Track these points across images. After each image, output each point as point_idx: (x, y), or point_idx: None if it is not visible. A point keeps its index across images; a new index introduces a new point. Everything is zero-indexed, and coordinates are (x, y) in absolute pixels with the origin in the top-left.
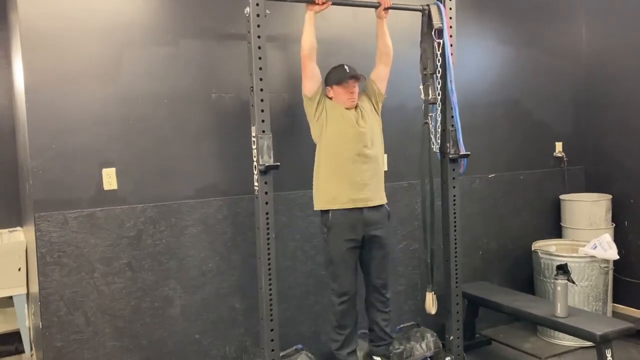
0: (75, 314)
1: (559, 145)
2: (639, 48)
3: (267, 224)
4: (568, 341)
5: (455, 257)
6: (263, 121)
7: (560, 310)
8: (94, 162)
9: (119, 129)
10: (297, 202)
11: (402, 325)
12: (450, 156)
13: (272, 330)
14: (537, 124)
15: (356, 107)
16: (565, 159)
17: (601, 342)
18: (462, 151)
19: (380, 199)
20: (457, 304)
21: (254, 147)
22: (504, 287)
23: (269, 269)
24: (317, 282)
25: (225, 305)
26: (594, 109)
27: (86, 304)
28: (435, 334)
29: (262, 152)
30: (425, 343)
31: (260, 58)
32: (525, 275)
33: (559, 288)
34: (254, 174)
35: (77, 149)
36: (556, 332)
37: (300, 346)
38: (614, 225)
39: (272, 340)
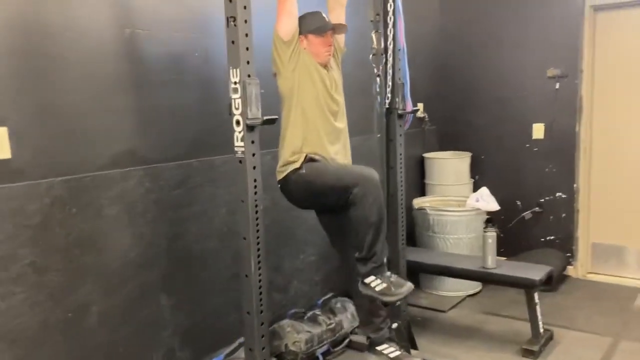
0: None
1: (420, 106)
2: (486, 14)
3: (256, 194)
4: (453, 292)
5: (402, 218)
6: (248, 62)
7: (490, 262)
8: None
9: (7, 73)
10: (221, 169)
11: (323, 299)
12: (398, 112)
13: (262, 324)
14: None
15: (326, 66)
16: (426, 119)
17: (532, 287)
18: (410, 106)
19: None
20: (403, 266)
21: (234, 96)
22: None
23: (258, 252)
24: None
25: (151, 304)
26: (447, 71)
27: None
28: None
29: (250, 103)
30: (350, 313)
31: None
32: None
33: (489, 240)
34: (234, 131)
35: None
36: (441, 284)
37: (243, 339)
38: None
39: (262, 337)
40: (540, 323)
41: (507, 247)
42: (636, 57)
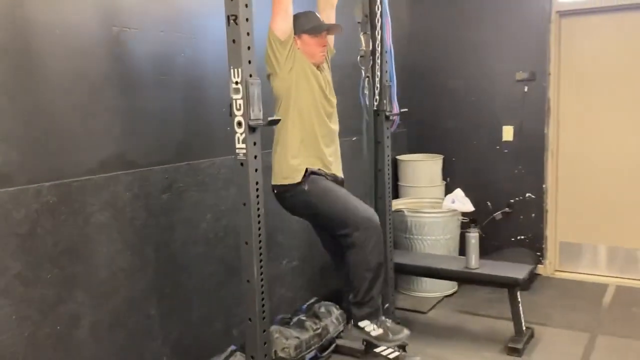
0: None
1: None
2: (455, 19)
3: (258, 196)
4: (430, 293)
5: (390, 221)
6: (250, 62)
7: (474, 262)
8: None
9: None
10: (207, 172)
11: (307, 304)
12: (386, 114)
13: (264, 331)
14: None
15: (318, 66)
16: (398, 122)
17: (516, 286)
18: (397, 108)
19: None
20: (391, 269)
21: (236, 96)
22: None
23: (261, 256)
24: (228, 269)
25: (140, 313)
26: (417, 75)
27: None
28: (338, 306)
29: (252, 103)
30: (335, 317)
31: None
32: None
33: (473, 241)
34: (236, 132)
35: None
36: (418, 286)
37: (234, 347)
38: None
39: (265, 344)
40: (523, 321)
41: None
42: (598, 61)
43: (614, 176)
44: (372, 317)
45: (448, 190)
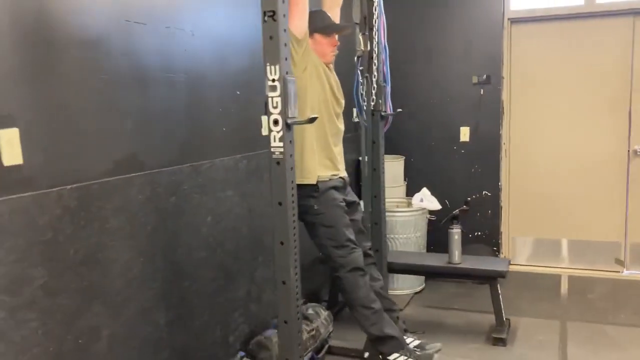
0: None
1: (354, 111)
2: (414, 24)
3: (293, 195)
4: (401, 290)
5: (384, 219)
6: (286, 59)
7: (457, 258)
8: None
9: (16, 65)
10: (207, 175)
11: None
12: (382, 114)
13: (298, 332)
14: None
15: (328, 66)
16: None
17: (498, 279)
18: (390, 109)
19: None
20: (385, 265)
21: (272, 94)
22: None
23: (296, 256)
24: (227, 273)
25: (150, 323)
26: None
27: None
28: (324, 307)
29: (289, 101)
30: (324, 318)
31: None
32: None
33: (455, 237)
34: (272, 131)
35: None
36: (389, 284)
37: (242, 353)
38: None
39: (299, 345)
40: (503, 312)
41: (439, 245)
42: (543, 65)
43: (559, 173)
44: (398, 347)
45: (409, 189)
